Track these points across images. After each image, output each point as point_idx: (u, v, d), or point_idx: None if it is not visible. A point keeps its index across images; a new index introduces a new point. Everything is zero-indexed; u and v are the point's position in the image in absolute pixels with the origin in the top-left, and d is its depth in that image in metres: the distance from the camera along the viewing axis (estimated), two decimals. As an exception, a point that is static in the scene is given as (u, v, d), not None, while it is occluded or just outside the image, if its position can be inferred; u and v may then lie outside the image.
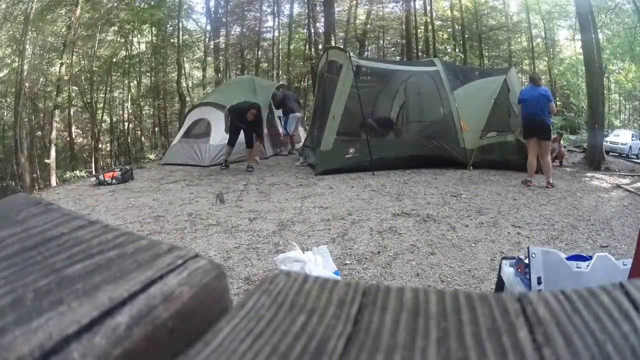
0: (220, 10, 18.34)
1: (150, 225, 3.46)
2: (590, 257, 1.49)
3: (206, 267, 0.23)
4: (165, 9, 16.06)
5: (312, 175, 5.49)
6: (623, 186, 5.58)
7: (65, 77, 13.80)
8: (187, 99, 15.37)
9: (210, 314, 0.22)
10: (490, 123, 5.91)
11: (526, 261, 1.50)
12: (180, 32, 16.60)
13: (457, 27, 19.21)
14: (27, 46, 12.84)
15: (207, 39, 17.94)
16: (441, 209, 3.87)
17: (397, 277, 2.42)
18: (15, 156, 12.83)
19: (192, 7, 18.66)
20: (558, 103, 20.58)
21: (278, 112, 7.68)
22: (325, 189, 4.66)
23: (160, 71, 17.18)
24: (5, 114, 14.77)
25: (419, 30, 18.30)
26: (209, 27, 18.32)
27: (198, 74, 18.77)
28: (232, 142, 5.86)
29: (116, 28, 15.78)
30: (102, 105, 16.53)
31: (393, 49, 20.46)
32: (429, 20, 18.35)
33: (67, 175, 11.49)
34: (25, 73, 12.64)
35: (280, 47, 19.07)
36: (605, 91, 11.71)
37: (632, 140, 14.83)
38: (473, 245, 2.94)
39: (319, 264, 1.76)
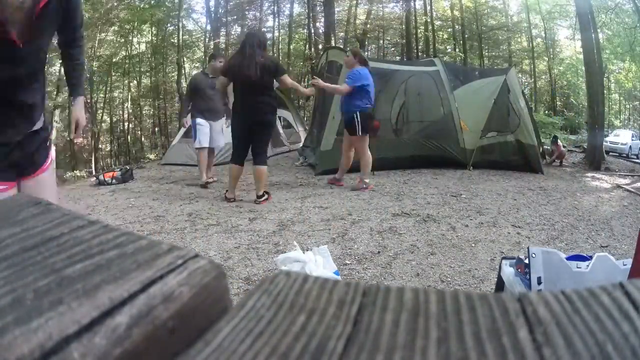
0: (220, 10, 18.36)
1: (150, 225, 3.46)
2: (590, 257, 1.49)
3: (206, 267, 0.23)
4: (165, 8, 16.06)
5: (312, 175, 5.49)
6: (623, 186, 5.59)
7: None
8: (187, 99, 15.34)
9: (210, 314, 0.22)
10: (490, 123, 5.91)
11: (526, 261, 1.50)
12: (180, 32, 16.62)
13: (457, 27, 19.22)
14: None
15: (207, 39, 17.95)
16: (441, 209, 3.87)
17: (397, 277, 2.42)
18: (15, 156, 12.80)
19: (192, 7, 18.70)
20: (558, 103, 20.62)
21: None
22: (325, 189, 4.66)
23: (160, 71, 17.19)
24: (5, 114, 14.73)
25: (419, 30, 18.32)
26: (209, 27, 18.34)
27: (198, 74, 18.75)
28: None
29: (116, 28, 15.78)
30: (102, 105, 16.53)
31: (393, 48, 20.48)
32: (429, 20, 18.37)
33: (67, 175, 11.50)
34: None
35: (280, 47, 19.09)
36: (605, 91, 11.72)
37: (632, 140, 14.85)
38: (473, 245, 2.94)
39: (319, 264, 1.76)
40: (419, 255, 2.73)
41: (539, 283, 1.41)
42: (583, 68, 9.94)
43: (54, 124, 13.56)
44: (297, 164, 6.47)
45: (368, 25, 18.86)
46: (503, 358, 0.17)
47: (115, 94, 17.38)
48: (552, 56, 20.06)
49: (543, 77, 20.84)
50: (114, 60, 16.15)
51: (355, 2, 18.60)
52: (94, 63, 15.20)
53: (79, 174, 11.39)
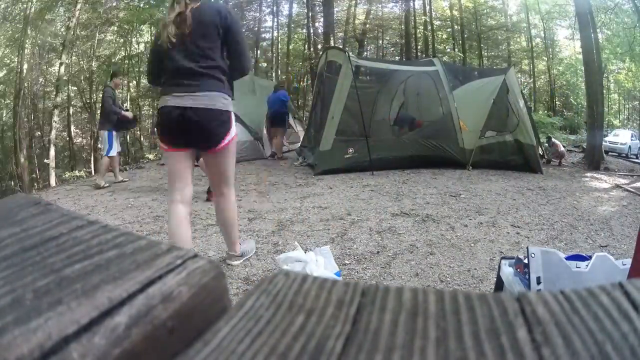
0: (219, 10, 18.32)
1: (150, 225, 3.46)
2: (590, 257, 1.49)
3: (205, 267, 0.23)
4: (165, 9, 16.02)
5: (312, 175, 5.48)
6: (622, 186, 5.59)
7: (65, 77, 13.79)
8: (187, 98, 15.32)
9: (209, 313, 0.22)
10: (489, 123, 5.92)
11: (525, 261, 1.50)
12: (180, 32, 16.55)
13: (456, 27, 19.23)
14: (26, 46, 12.83)
15: (206, 39, 17.88)
16: (440, 208, 3.87)
17: (396, 277, 2.41)
18: (14, 156, 12.81)
19: (192, 7, 18.62)
20: (557, 103, 20.63)
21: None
22: (324, 189, 4.66)
23: (159, 71, 17.13)
24: (5, 114, 14.75)
25: (418, 30, 18.32)
26: (208, 27, 18.27)
27: (197, 74, 18.72)
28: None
29: (115, 28, 15.76)
30: (101, 105, 16.49)
31: (392, 48, 20.49)
32: (428, 20, 18.37)
33: (67, 175, 11.48)
34: (24, 73, 12.63)
35: (279, 47, 19.08)
36: (604, 91, 11.73)
37: (632, 140, 14.87)
38: (472, 245, 2.94)
39: (320, 264, 1.76)
40: (418, 255, 2.73)
41: (538, 283, 1.41)
42: (582, 68, 9.95)
43: (53, 124, 13.55)
44: (296, 164, 6.46)
45: (367, 25, 18.86)
46: (502, 358, 0.17)
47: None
48: (551, 56, 20.08)
49: (542, 77, 20.86)
50: (113, 60, 16.12)
51: (354, 2, 18.60)
52: (93, 63, 15.20)
53: (78, 174, 11.37)
